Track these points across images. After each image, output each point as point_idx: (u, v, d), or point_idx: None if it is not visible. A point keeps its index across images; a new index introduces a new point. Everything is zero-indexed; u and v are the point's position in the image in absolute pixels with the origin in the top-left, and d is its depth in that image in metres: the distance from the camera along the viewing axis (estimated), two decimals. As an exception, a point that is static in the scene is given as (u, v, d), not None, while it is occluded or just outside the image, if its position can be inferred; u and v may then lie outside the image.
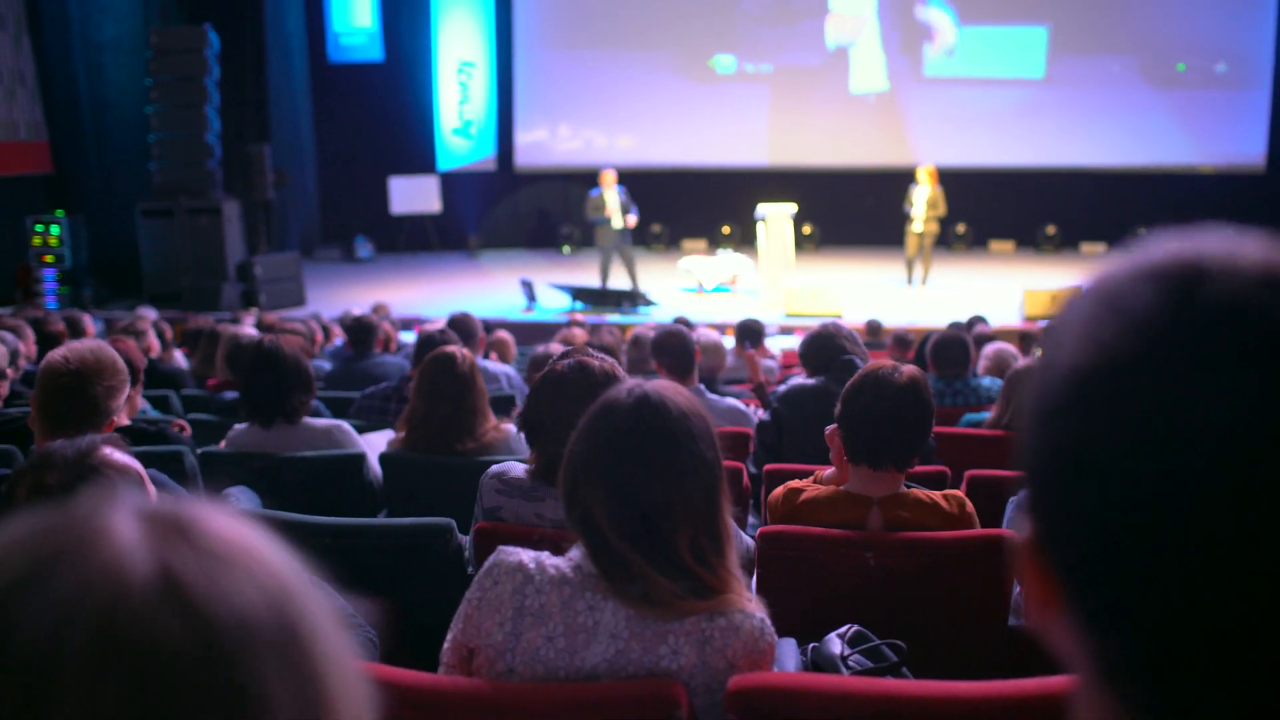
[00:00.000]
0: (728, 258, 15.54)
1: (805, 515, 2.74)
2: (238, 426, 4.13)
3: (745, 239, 18.20)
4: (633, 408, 1.70)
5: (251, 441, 4.01)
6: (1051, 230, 18.42)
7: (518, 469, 2.82)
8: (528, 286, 14.23)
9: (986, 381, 5.76)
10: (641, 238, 18.97)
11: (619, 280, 14.48)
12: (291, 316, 11.34)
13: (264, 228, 15.25)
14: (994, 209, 18.19)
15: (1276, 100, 17.94)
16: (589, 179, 19.08)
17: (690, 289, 15.10)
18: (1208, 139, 18.24)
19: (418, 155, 18.86)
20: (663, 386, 1.75)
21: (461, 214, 19.02)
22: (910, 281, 14.83)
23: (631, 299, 13.78)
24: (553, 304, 14.24)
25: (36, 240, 14.38)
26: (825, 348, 4.21)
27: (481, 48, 19.03)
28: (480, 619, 1.72)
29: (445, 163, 19.07)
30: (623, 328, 10.80)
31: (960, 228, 18.08)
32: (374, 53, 18.70)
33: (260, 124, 15.59)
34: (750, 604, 1.69)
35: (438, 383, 3.83)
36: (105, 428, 2.91)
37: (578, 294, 14.12)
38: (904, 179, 17.74)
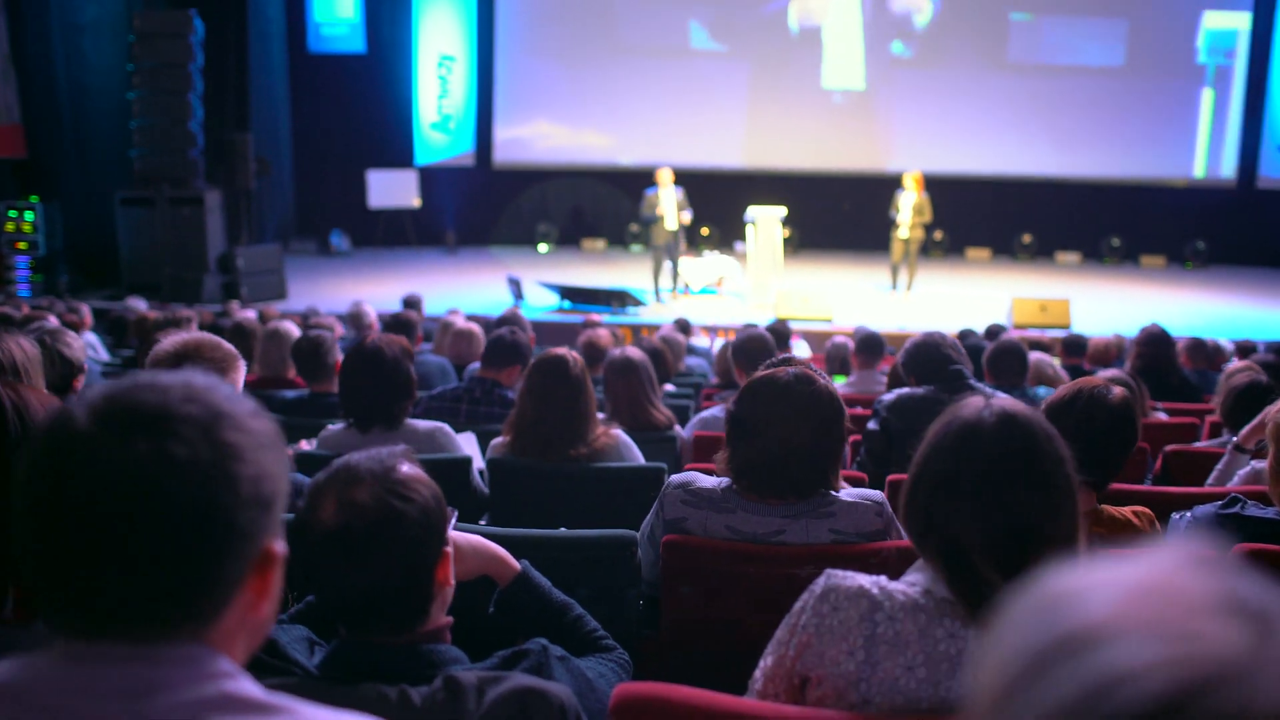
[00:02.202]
0: (714, 259, 15.50)
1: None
2: (332, 427, 4.01)
3: (724, 240, 18.21)
4: (999, 428, 1.63)
5: (349, 443, 3.87)
6: (1027, 239, 18.62)
7: (704, 480, 2.74)
8: (515, 284, 14.10)
9: (1042, 391, 5.75)
10: (620, 238, 18.94)
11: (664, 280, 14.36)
12: (291, 310, 11.11)
13: (245, 219, 14.95)
14: (971, 217, 18.34)
15: (1248, 117, 18.27)
16: (567, 176, 19.05)
17: (678, 290, 15.03)
18: (1179, 153, 18.53)
19: (395, 149, 18.63)
20: (1020, 407, 1.68)
21: (439, 209, 18.82)
22: (895, 287, 14.89)
23: (621, 299, 13.68)
24: (540, 302, 14.11)
25: (10, 226, 13.99)
26: (931, 357, 4.17)
27: (462, 42, 18.83)
28: (822, 647, 1.64)
29: (423, 157, 18.85)
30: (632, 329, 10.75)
31: (938, 235, 18.21)
32: (355, 44, 18.44)
33: (240, 112, 15.30)
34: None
35: (550, 387, 3.73)
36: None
37: (566, 293, 14.01)
38: (880, 184, 17.90)
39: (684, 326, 10.26)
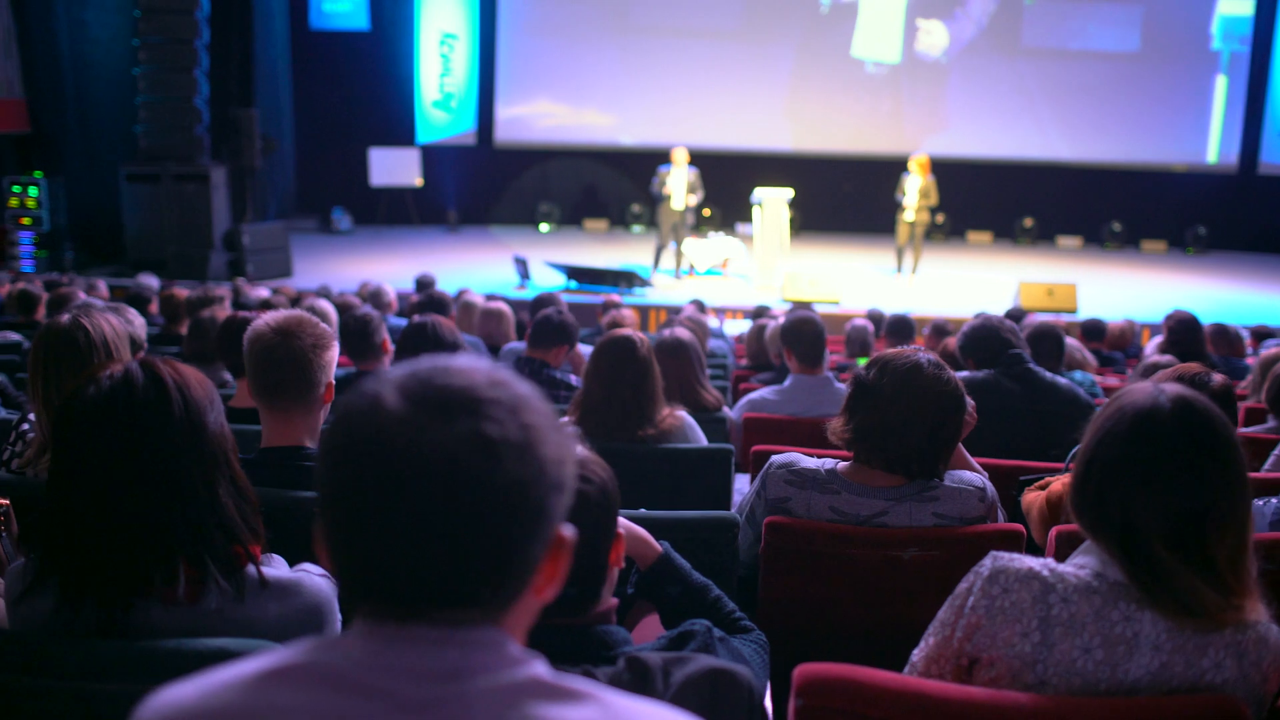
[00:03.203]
0: (719, 241, 15.49)
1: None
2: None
3: (725, 221, 18.21)
4: (1178, 414, 1.65)
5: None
6: (1029, 223, 18.66)
7: (808, 460, 2.76)
8: (521, 264, 14.06)
9: (1079, 375, 5.79)
10: (621, 218, 18.91)
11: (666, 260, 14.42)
12: (305, 288, 11.06)
13: (250, 196, 14.87)
14: (973, 200, 18.37)
15: (1250, 102, 18.33)
16: (568, 156, 19.00)
17: (682, 271, 15.02)
18: (1181, 138, 18.58)
19: (397, 127, 18.54)
20: (1193, 392, 1.70)
21: (440, 188, 18.75)
22: (900, 270, 14.92)
23: (629, 279, 13.67)
24: (546, 282, 14.09)
25: (14, 202, 13.88)
26: (990, 341, 4.19)
27: (464, 20, 18.73)
28: (995, 628, 1.66)
29: (425, 135, 18.77)
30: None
31: (939, 218, 18.23)
32: (359, 21, 18.32)
33: (244, 89, 15.18)
34: (1263, 614, 1.66)
35: (618, 368, 3.72)
36: (326, 393, 2.77)
37: (572, 273, 13.98)
38: (881, 166, 17.92)
39: (701, 308, 10.26)
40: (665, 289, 13.90)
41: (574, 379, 4.95)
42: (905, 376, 2.62)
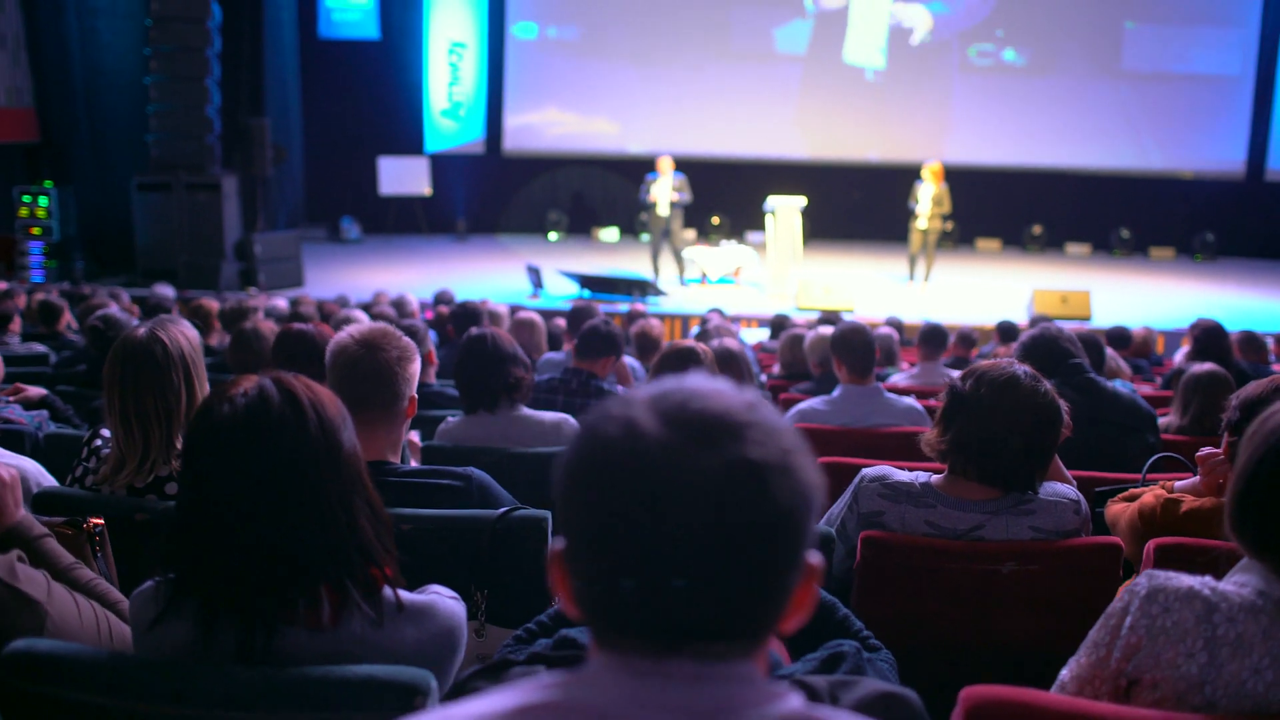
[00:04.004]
0: (731, 249, 15.47)
1: (1189, 528, 2.68)
2: (450, 419, 3.96)
3: (735, 230, 18.19)
4: None
5: (473, 435, 3.84)
6: (1038, 230, 18.65)
7: (901, 474, 2.72)
8: (534, 273, 14.03)
9: (1119, 384, 5.75)
10: (630, 226, 18.90)
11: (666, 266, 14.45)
12: (324, 299, 11.02)
13: (261, 205, 14.82)
14: (981, 207, 18.35)
15: (1257, 109, 18.35)
16: (577, 164, 18.99)
17: (694, 279, 15.00)
18: (1188, 144, 18.59)
19: (405, 136, 18.50)
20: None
21: (449, 197, 18.72)
22: (912, 278, 14.90)
23: (642, 288, 13.64)
24: (559, 290, 14.05)
25: (24, 211, 13.83)
26: (1051, 351, 4.15)
27: (473, 29, 18.71)
28: (1157, 649, 1.62)
29: (433, 144, 18.74)
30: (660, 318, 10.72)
31: (948, 225, 18.20)
32: (369, 30, 18.30)
33: (254, 98, 15.14)
34: None
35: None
36: (409, 406, 2.73)
37: (585, 282, 13.95)
38: (890, 174, 17.91)
39: (721, 317, 10.23)
40: (679, 298, 13.87)
41: (621, 390, 4.91)
42: (1003, 388, 2.59)
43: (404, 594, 1.71)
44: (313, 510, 1.63)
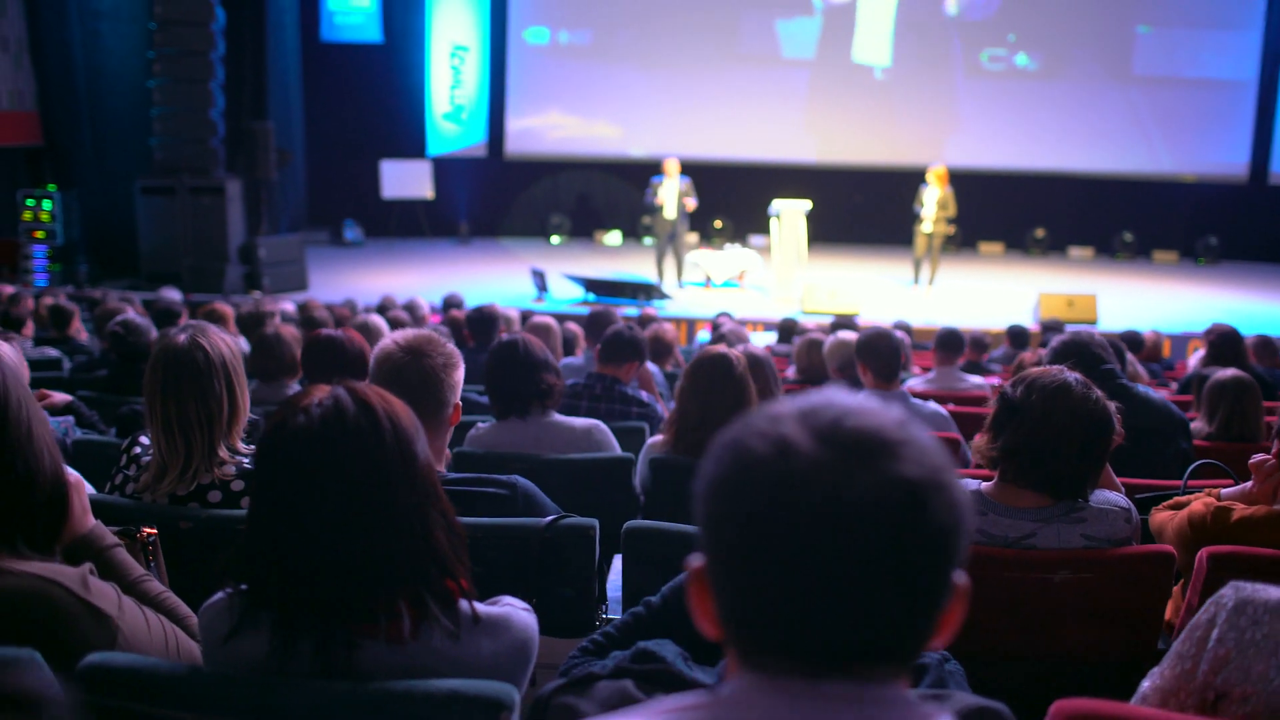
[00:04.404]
0: (735, 252, 15.45)
1: (1241, 536, 2.67)
2: (480, 425, 3.93)
3: (737, 233, 18.17)
4: None
5: (504, 441, 3.81)
6: (1040, 233, 18.66)
7: (968, 483, 2.69)
8: (539, 276, 14.00)
9: (1141, 389, 5.73)
10: (633, 230, 18.88)
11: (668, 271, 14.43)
12: (333, 302, 10.98)
13: (265, 209, 14.79)
14: (984, 211, 18.35)
15: (1260, 112, 18.36)
16: (579, 168, 18.97)
17: (698, 283, 14.99)
18: (1193, 148, 18.61)
19: (407, 139, 18.49)
20: None
21: (451, 200, 18.70)
22: (916, 281, 14.89)
23: (647, 292, 13.62)
24: (564, 294, 14.03)
25: (27, 215, 13.79)
26: (1081, 357, 4.12)
27: (475, 32, 18.70)
28: (1246, 662, 1.60)
29: (435, 148, 18.72)
30: (677, 322, 10.70)
31: (951, 229, 18.21)
32: (372, 33, 18.28)
33: (257, 101, 15.13)
34: None
35: (715, 386, 3.67)
36: (454, 414, 2.71)
37: (590, 285, 13.93)
38: (892, 178, 17.92)
39: (731, 321, 10.21)
40: (683, 302, 13.85)
41: (645, 395, 4.90)
42: (1055, 395, 2.57)
43: (479, 606, 1.69)
44: (389, 522, 1.61)
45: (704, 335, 11.89)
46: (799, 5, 18.72)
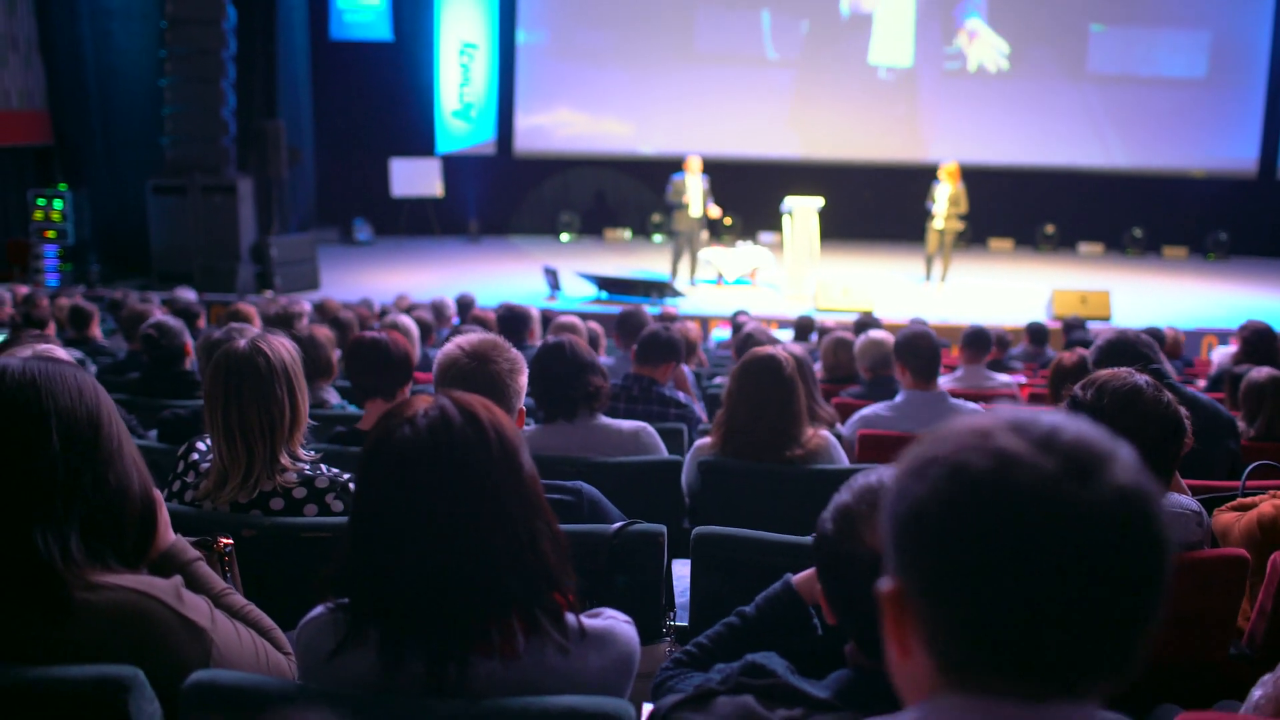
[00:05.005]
0: (748, 250, 15.42)
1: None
2: (526, 429, 3.89)
3: (747, 230, 18.13)
4: None
5: (551, 444, 3.78)
6: (1050, 229, 18.63)
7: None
8: (551, 274, 13.97)
9: (1188, 388, 5.70)
10: (642, 227, 18.85)
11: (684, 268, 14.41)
12: (348, 301, 10.95)
13: (276, 208, 14.75)
14: (994, 207, 18.33)
15: (1270, 107, 18.33)
16: (588, 165, 18.94)
17: (710, 280, 14.96)
18: (1200, 143, 18.58)
19: (416, 137, 18.46)
20: None
21: (461, 198, 18.67)
22: (929, 278, 14.86)
23: (660, 289, 13.59)
24: (577, 292, 14.01)
25: (38, 215, 13.76)
26: (1129, 355, 4.09)
27: (484, 29, 18.66)
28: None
29: (444, 145, 18.69)
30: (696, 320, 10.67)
31: (961, 225, 18.17)
32: (382, 31, 18.25)
33: (268, 100, 15.09)
34: None
35: (763, 387, 3.65)
36: (518, 419, 2.69)
37: (603, 283, 13.90)
38: (901, 174, 17.90)
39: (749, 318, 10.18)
40: (696, 299, 13.82)
41: (682, 396, 4.87)
42: (1127, 399, 2.55)
43: (584, 619, 1.67)
44: (499, 534, 1.58)
45: (720, 334, 11.91)
46: (821, 7, 18.65)
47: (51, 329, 7.16)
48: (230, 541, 2.18)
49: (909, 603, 0.97)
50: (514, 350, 2.73)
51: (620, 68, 18.76)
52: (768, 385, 3.63)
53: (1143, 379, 2.62)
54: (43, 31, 14.15)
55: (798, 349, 4.70)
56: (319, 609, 1.66)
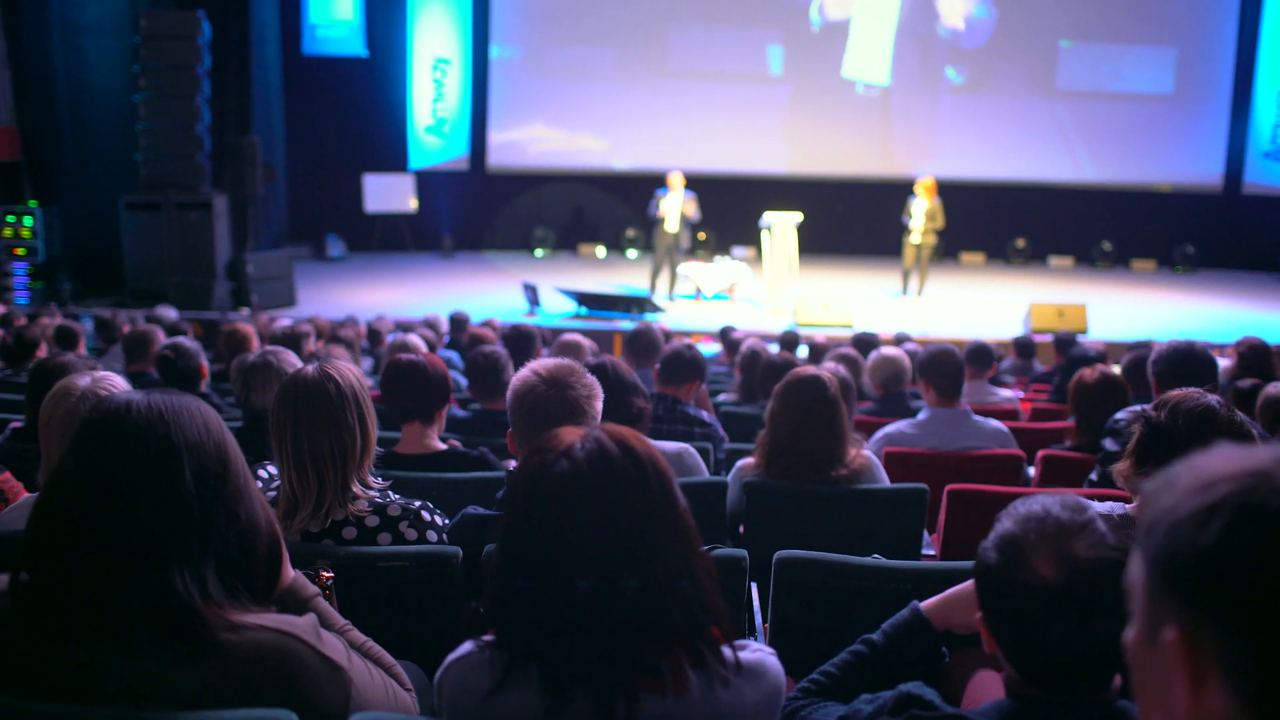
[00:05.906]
0: (726, 265, 15.45)
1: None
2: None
3: (720, 245, 18.18)
4: None
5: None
6: (1021, 243, 18.83)
7: (1093, 505, 2.67)
8: (531, 290, 13.92)
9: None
10: (617, 243, 18.83)
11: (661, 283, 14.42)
12: (336, 319, 10.84)
13: (251, 224, 14.60)
14: (965, 221, 18.48)
15: (1234, 123, 18.65)
16: (562, 181, 18.91)
17: (689, 295, 14.96)
18: (1168, 158, 18.87)
19: (390, 152, 18.35)
20: None
21: (434, 214, 18.57)
22: (905, 292, 14.96)
23: (640, 305, 13.58)
24: (556, 308, 13.96)
25: (7, 232, 13.52)
26: (1192, 367, 4.11)
27: (456, 45, 18.60)
28: None
29: (417, 161, 18.59)
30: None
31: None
32: (355, 46, 18.13)
33: (242, 116, 14.95)
34: None
35: (807, 408, 3.64)
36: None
37: (583, 299, 13.86)
38: (876, 188, 18.02)
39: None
40: (675, 314, 13.81)
41: (706, 416, 4.85)
42: (1201, 419, 2.58)
43: (743, 652, 1.65)
44: (659, 566, 1.56)
45: (703, 349, 11.90)
46: (792, 22, 18.76)
47: (43, 350, 7.02)
48: (331, 575, 2.14)
49: (1208, 649, 0.96)
50: (590, 375, 2.71)
51: (594, 83, 18.77)
52: (811, 406, 3.62)
53: (1213, 399, 2.65)
54: (11, 47, 13.92)
55: (841, 369, 4.69)
56: (466, 646, 1.63)
